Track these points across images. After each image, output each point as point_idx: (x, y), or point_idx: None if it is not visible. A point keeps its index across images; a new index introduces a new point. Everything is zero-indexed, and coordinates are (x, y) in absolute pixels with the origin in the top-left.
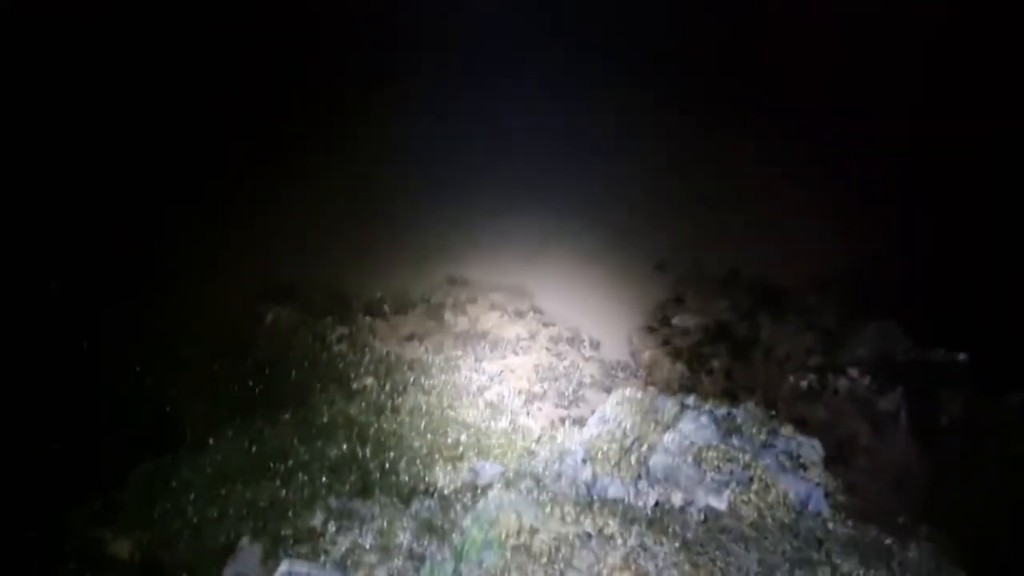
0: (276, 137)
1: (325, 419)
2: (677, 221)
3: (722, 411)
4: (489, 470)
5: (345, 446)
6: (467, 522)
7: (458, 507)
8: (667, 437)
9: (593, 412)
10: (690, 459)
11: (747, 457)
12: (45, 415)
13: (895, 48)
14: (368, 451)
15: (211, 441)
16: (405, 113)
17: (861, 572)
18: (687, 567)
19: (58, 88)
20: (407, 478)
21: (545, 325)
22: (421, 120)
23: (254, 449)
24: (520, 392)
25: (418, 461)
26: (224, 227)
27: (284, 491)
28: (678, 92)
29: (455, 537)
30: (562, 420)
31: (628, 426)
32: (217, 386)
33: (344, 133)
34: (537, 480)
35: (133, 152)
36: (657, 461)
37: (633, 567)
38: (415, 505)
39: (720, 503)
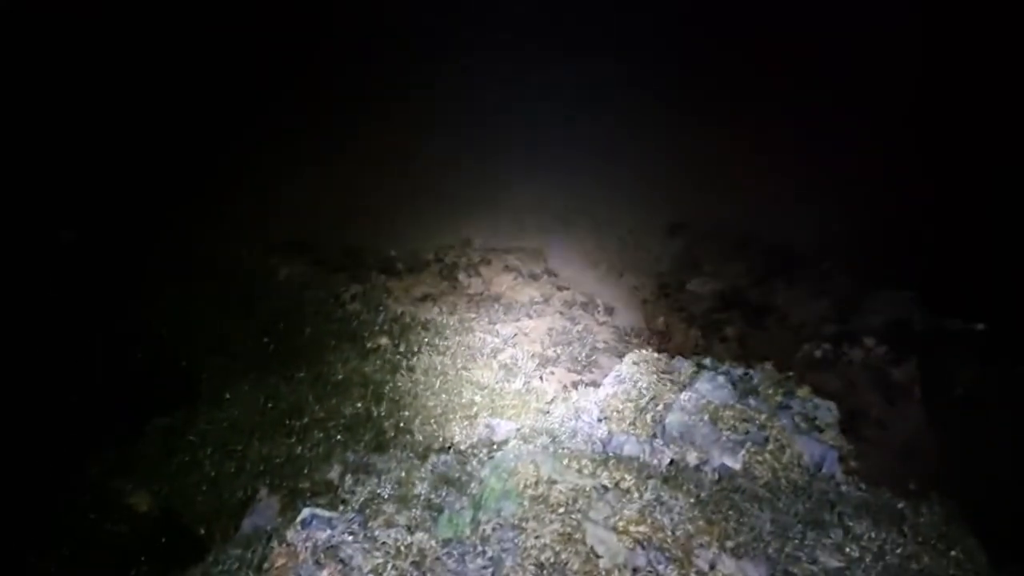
0: (295, 99)
1: (340, 377)
2: (692, 188)
3: (738, 372)
4: (504, 427)
5: (360, 404)
6: (485, 472)
7: (474, 461)
8: (683, 396)
9: (603, 375)
10: (706, 418)
11: (763, 417)
12: (61, 368)
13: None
14: (383, 409)
15: (227, 396)
16: (427, 79)
17: (872, 534)
18: (701, 523)
19: (79, 47)
20: (421, 436)
21: (559, 289)
22: (444, 86)
23: (270, 405)
24: (534, 355)
25: (433, 420)
26: (239, 184)
27: (300, 447)
28: (694, 68)
29: (473, 487)
30: (575, 384)
31: (644, 386)
32: (232, 341)
33: (365, 96)
34: (553, 436)
35: (151, 112)
36: (673, 420)
37: (649, 520)
38: (432, 459)
39: (735, 463)
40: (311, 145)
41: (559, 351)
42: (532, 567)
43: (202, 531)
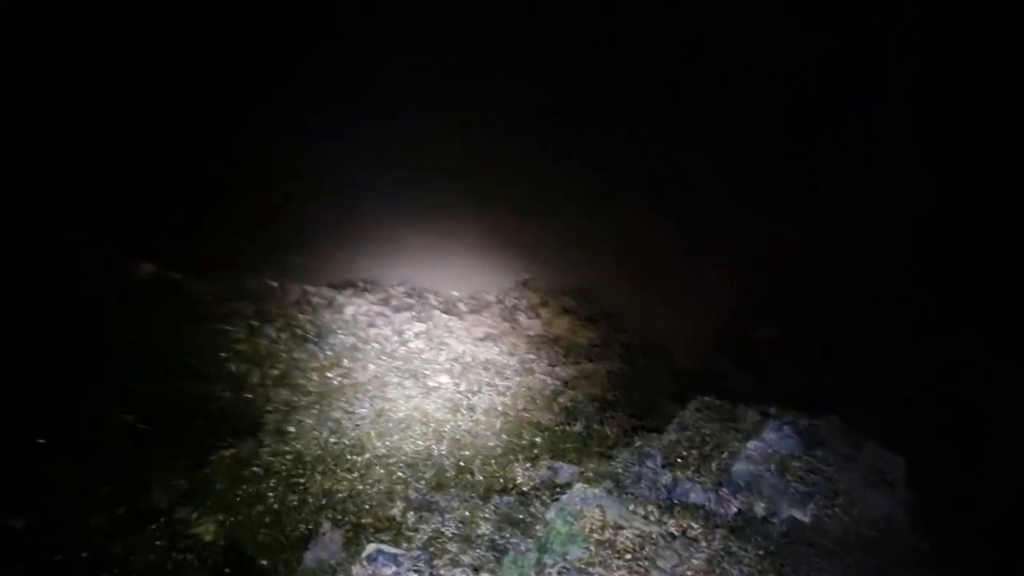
0: (359, 135)
1: (402, 414)
2: (754, 228)
3: (804, 422)
4: (567, 470)
5: (421, 442)
6: (550, 515)
7: (537, 503)
8: (750, 445)
9: (665, 421)
10: (773, 468)
11: (831, 470)
12: (129, 392)
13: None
14: (444, 448)
15: (291, 429)
16: (469, 124)
17: None
18: None
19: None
20: (482, 476)
21: (617, 331)
22: (490, 128)
23: (332, 440)
24: (594, 399)
25: (493, 460)
26: (307, 220)
27: (362, 483)
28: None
29: (538, 529)
30: (635, 429)
31: (707, 433)
32: (297, 375)
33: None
34: (617, 481)
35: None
36: (739, 469)
37: (718, 571)
38: (494, 500)
39: (804, 515)
40: (374, 184)
41: (618, 395)
42: None
43: (265, 563)
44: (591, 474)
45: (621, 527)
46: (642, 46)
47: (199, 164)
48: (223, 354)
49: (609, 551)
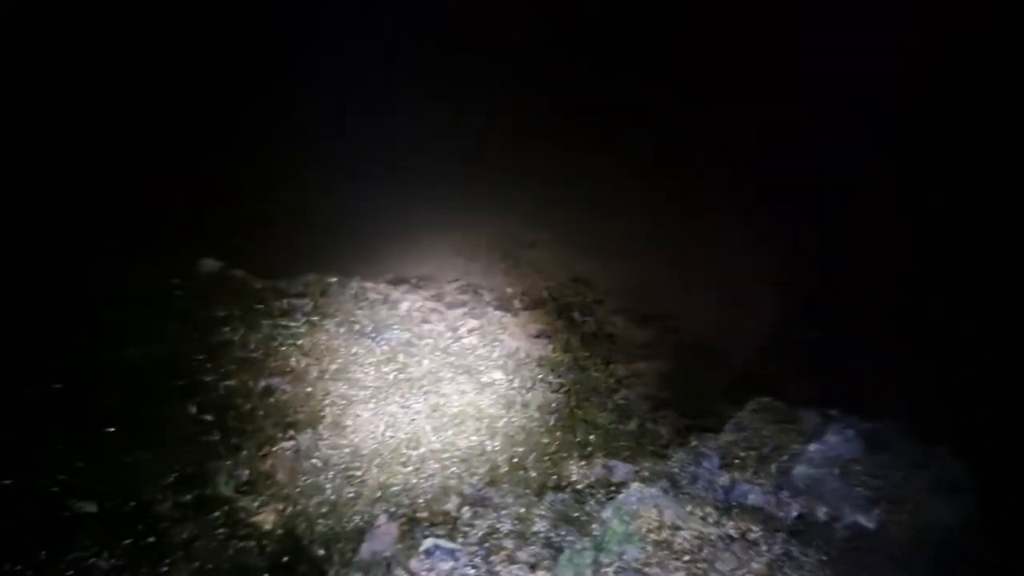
0: (411, 135)
1: (456, 409)
2: (809, 230)
3: (868, 425)
4: (622, 469)
5: (475, 438)
6: (606, 513)
7: (592, 502)
8: (811, 448)
9: (721, 421)
10: (836, 472)
11: (898, 475)
12: (194, 384)
13: None
14: (497, 444)
15: (348, 423)
16: (521, 134)
17: None
18: None
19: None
20: (536, 473)
21: (670, 331)
22: (541, 127)
23: (388, 434)
24: (647, 397)
25: (547, 457)
26: (363, 217)
27: (416, 477)
28: None
29: (594, 528)
30: (690, 428)
31: (766, 434)
32: (354, 369)
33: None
34: (673, 481)
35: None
36: (800, 472)
37: (779, 575)
38: (548, 497)
39: (869, 521)
40: (427, 183)
41: (672, 394)
42: None
43: (322, 553)
44: (647, 473)
45: (678, 528)
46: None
47: (254, 164)
48: (283, 348)
49: (666, 552)
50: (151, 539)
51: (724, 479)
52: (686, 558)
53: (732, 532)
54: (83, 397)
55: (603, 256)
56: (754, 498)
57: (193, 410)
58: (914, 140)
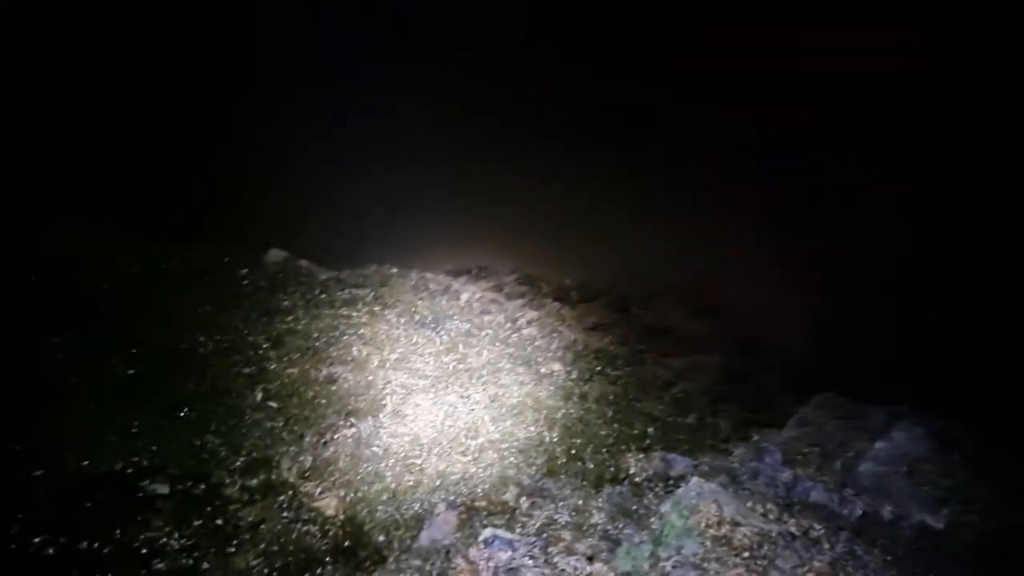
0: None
1: (514, 400)
2: (872, 227)
3: (938, 423)
4: (681, 462)
5: (533, 428)
6: (665, 508)
7: (651, 495)
8: (877, 445)
9: (783, 417)
10: (903, 471)
11: (967, 475)
12: (260, 371)
13: None
14: (555, 435)
15: (408, 411)
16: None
17: None
18: None
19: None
20: (593, 465)
21: (729, 325)
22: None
23: (448, 423)
24: (705, 391)
25: (605, 449)
26: (424, 210)
27: (475, 466)
28: None
29: (652, 522)
30: (750, 423)
31: (830, 431)
32: (415, 359)
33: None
34: (733, 476)
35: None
36: (865, 469)
37: (841, 575)
38: (606, 489)
39: (936, 521)
40: (484, 173)
41: (731, 389)
42: None
43: (382, 539)
44: (706, 468)
45: (738, 524)
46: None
47: (319, 158)
48: (345, 337)
49: (725, 548)
50: (219, 521)
51: (786, 475)
52: (746, 554)
53: (794, 529)
54: (155, 383)
55: (661, 251)
56: (817, 495)
57: (259, 397)
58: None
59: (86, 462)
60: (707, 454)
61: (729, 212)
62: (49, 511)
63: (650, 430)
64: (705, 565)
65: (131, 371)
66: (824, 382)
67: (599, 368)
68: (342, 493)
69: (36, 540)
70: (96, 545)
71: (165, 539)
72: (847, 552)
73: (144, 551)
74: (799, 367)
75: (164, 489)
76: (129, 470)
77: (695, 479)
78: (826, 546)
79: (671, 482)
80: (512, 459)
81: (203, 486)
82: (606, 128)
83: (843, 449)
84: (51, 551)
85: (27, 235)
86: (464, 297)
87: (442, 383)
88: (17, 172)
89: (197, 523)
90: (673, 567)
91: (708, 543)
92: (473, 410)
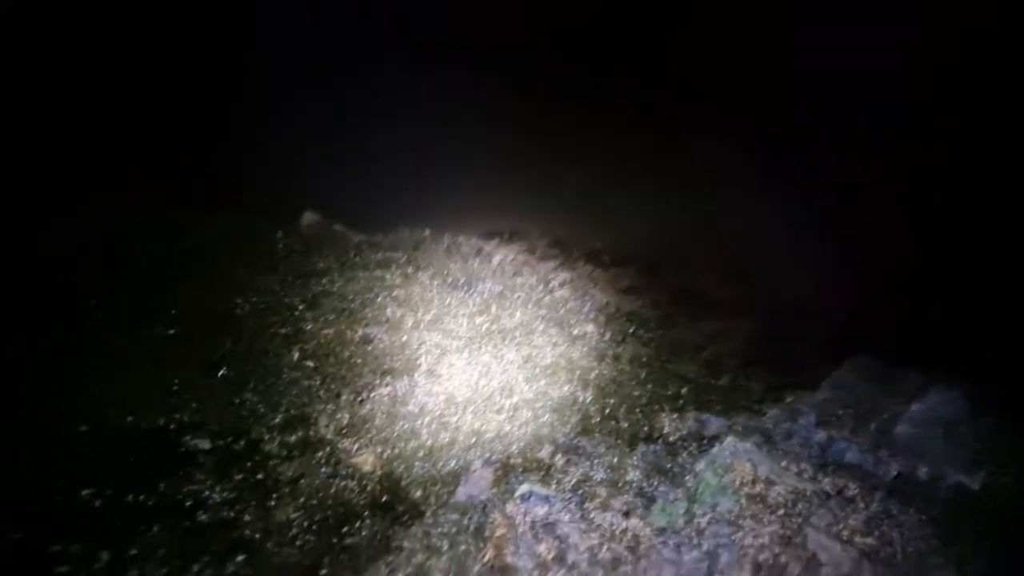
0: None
1: (548, 361)
2: (905, 192)
3: (972, 387)
4: (715, 422)
5: (567, 388)
6: (700, 466)
7: (685, 454)
8: (913, 408)
9: (816, 379)
10: (940, 432)
11: (1004, 438)
12: (297, 331)
13: None
14: (589, 395)
15: (443, 371)
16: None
17: None
18: (935, 542)
19: None
20: (627, 424)
21: (760, 290)
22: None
23: (482, 383)
24: (738, 354)
25: (638, 409)
26: (454, 172)
27: (510, 424)
28: None
29: (687, 480)
30: (783, 385)
31: (864, 393)
32: (448, 320)
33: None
34: (767, 436)
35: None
36: (900, 431)
37: (876, 532)
38: (640, 448)
39: (973, 483)
40: (520, 137)
41: (764, 351)
42: (750, 566)
43: (418, 494)
44: (740, 428)
45: (773, 483)
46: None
47: (352, 123)
48: (379, 299)
49: (760, 505)
50: (259, 476)
51: (820, 436)
52: (780, 512)
53: (828, 488)
54: (195, 343)
55: (692, 217)
56: (851, 456)
57: (295, 356)
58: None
59: (130, 418)
60: (741, 415)
61: (760, 180)
62: (96, 466)
63: (683, 391)
64: (740, 522)
65: (171, 331)
66: (857, 346)
67: (632, 330)
68: (379, 450)
69: (84, 493)
70: (141, 498)
71: (207, 492)
72: (882, 511)
73: (187, 504)
74: (831, 331)
75: (205, 445)
76: (171, 426)
77: (729, 438)
78: (861, 505)
79: (705, 441)
80: (547, 418)
81: (243, 442)
82: (640, 99)
83: (877, 411)
84: (98, 503)
85: (69, 206)
86: (496, 260)
87: (476, 343)
88: (56, 148)
89: (238, 477)
90: (708, 523)
91: (743, 501)
92: (507, 370)
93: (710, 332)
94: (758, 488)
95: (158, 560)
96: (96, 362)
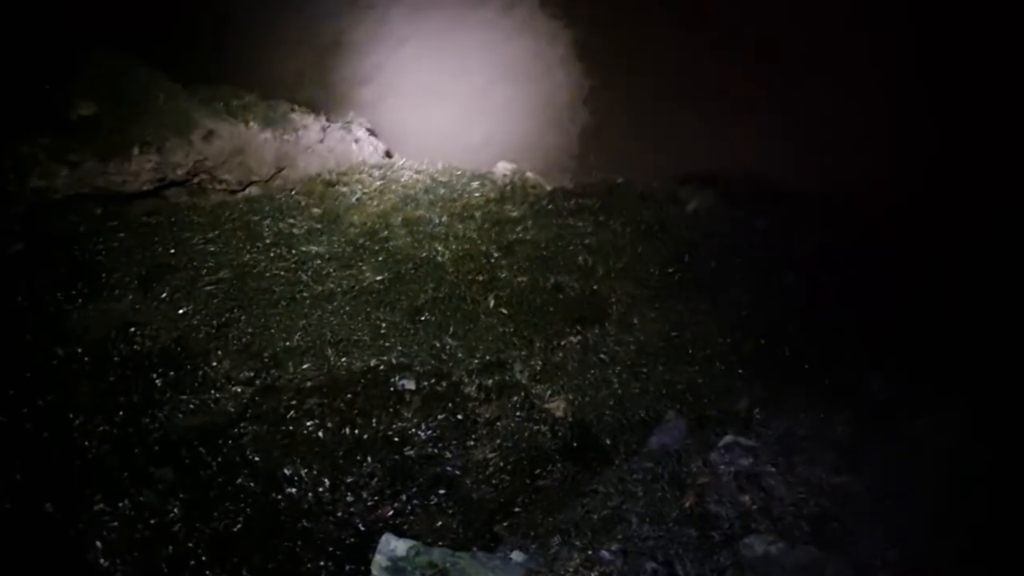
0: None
1: (744, 312)
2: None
3: None
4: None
5: (763, 341)
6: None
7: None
8: None
9: None
10: None
11: None
12: (492, 279)
13: None
14: (788, 348)
15: (634, 321)
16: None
17: None
18: None
19: None
20: (828, 380)
21: None
22: None
23: (674, 334)
24: None
25: (844, 365)
26: (647, 113)
27: (702, 376)
28: None
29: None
30: None
31: None
32: (639, 269)
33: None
34: None
35: None
36: None
37: None
38: (848, 406)
39: None
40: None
41: None
42: None
43: (608, 441)
44: None
45: None
46: None
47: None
48: (571, 247)
49: None
50: (460, 416)
51: None
52: None
53: None
54: (400, 289)
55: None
56: None
57: (491, 303)
58: None
59: (344, 359)
60: None
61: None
62: (317, 400)
63: None
64: None
65: (379, 277)
66: None
67: None
68: (570, 396)
69: (308, 424)
70: (356, 431)
71: (414, 429)
72: None
73: (396, 439)
74: None
75: (411, 385)
76: (381, 367)
77: None
78: None
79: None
80: (742, 370)
81: (444, 384)
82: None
83: None
84: (320, 434)
85: None
86: (691, 206)
87: (667, 292)
88: None
89: (440, 417)
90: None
91: None
92: (700, 321)
93: None
94: None
95: (372, 488)
96: (316, 305)
